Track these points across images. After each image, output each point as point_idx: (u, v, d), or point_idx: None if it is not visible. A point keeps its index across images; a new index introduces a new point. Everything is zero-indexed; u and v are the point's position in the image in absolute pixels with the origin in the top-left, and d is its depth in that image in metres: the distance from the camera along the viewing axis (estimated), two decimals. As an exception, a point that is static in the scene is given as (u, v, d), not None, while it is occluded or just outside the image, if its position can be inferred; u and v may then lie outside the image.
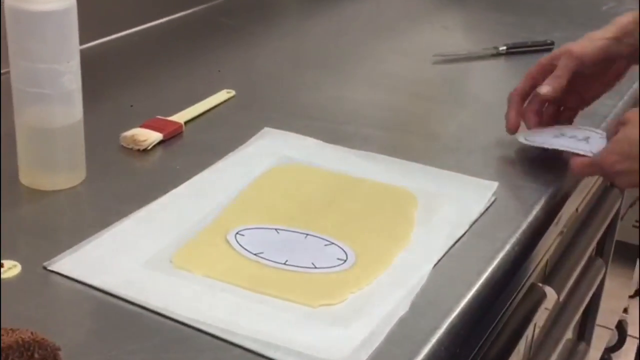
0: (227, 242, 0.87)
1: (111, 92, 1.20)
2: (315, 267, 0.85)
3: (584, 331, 1.63)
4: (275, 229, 0.91)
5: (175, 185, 0.98)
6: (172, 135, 1.09)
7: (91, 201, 0.96)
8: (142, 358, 0.73)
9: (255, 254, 0.86)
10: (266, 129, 1.11)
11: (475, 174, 1.04)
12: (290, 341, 0.74)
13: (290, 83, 1.24)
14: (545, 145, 1.06)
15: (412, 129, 1.18)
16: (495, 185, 1.01)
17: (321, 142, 1.09)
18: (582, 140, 1.04)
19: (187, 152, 1.07)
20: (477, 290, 0.84)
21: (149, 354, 0.73)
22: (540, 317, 1.18)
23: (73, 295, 0.80)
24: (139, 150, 1.05)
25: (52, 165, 0.96)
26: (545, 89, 1.06)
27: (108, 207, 0.94)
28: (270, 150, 1.06)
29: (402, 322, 0.78)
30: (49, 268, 0.82)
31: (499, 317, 0.92)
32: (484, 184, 1.01)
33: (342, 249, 0.87)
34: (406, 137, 1.15)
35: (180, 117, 1.12)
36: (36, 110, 0.93)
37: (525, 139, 1.08)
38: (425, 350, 0.76)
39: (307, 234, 0.90)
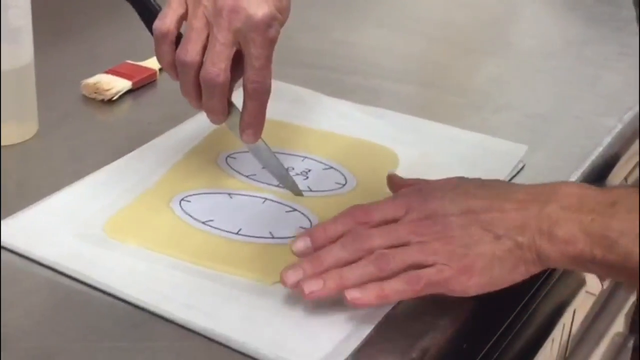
0: (170, 208, 0.84)
1: (75, 32, 1.16)
2: (273, 237, 0.81)
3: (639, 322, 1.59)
4: (228, 193, 0.87)
5: (142, 142, 0.94)
6: (144, 84, 1.05)
7: (41, 159, 0.92)
8: (84, 347, 0.70)
9: (203, 222, 0.82)
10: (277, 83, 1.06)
11: (503, 135, 0.99)
12: (250, 333, 0.71)
13: (288, 23, 1.20)
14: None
15: (431, 81, 1.13)
16: (523, 149, 0.96)
17: (316, 93, 1.04)
18: (298, 175, 0.91)
19: (161, 104, 1.03)
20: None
21: (94, 342, 0.70)
22: (583, 305, 1.13)
23: (8, 267, 0.77)
24: (102, 100, 1.01)
25: (-2, 116, 0.92)
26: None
27: (60, 167, 0.90)
28: None
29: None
30: None
31: (524, 302, 0.87)
32: (510, 147, 0.96)
33: (304, 214, 0.85)
34: (423, 91, 1.10)
35: (154, 62, 1.07)
36: (-25, 50, 0.90)
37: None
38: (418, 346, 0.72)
39: (266, 199, 0.87)
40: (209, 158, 0.92)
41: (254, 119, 0.83)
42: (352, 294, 0.72)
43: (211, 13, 0.79)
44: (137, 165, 0.90)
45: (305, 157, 0.94)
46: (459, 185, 0.77)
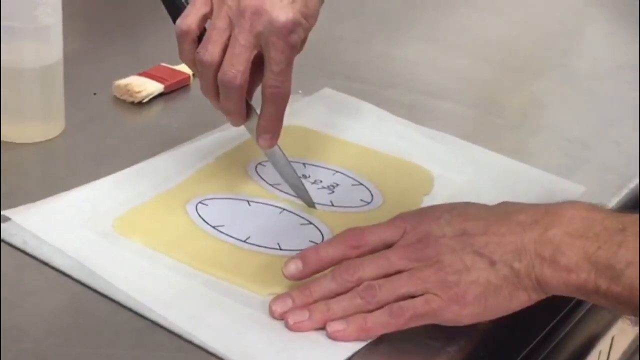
0: (185, 210, 0.83)
1: (113, 33, 1.15)
2: (280, 249, 0.79)
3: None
4: (248, 200, 0.86)
5: (168, 146, 0.93)
6: (177, 88, 1.04)
7: (64, 159, 0.92)
8: (80, 352, 0.68)
9: (213, 227, 0.81)
10: (327, 90, 1.05)
11: (538, 158, 0.96)
12: (231, 344, 0.69)
13: (329, 34, 1.18)
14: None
15: (470, 98, 1.10)
16: (580, 190, 0.91)
17: (364, 103, 1.03)
18: (324, 188, 0.89)
19: (192, 109, 1.02)
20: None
21: (91, 348, 0.69)
22: (624, 333, 1.08)
23: (11, 266, 0.76)
24: (132, 103, 1.01)
25: (22, 113, 0.91)
26: None
27: (82, 168, 0.89)
28: (302, 111, 1.00)
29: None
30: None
31: (549, 327, 0.84)
32: (566, 186, 0.92)
33: (319, 229, 0.83)
34: (460, 109, 1.07)
35: (189, 66, 1.07)
36: (5, 47, 0.88)
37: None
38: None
39: (284, 209, 0.85)
40: (238, 164, 0.91)
41: (270, 124, 0.81)
42: (333, 327, 0.70)
43: (234, 13, 0.78)
44: (162, 167, 0.89)
45: (337, 172, 0.92)
46: (459, 207, 0.75)
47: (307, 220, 0.84)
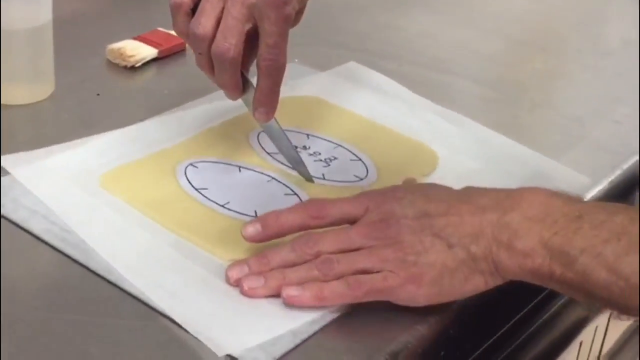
0: (174, 171, 0.83)
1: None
2: (256, 216, 0.79)
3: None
4: (239, 167, 0.85)
5: (159, 112, 0.92)
6: (171, 53, 1.03)
7: (52, 122, 0.91)
8: (44, 317, 0.68)
9: (196, 189, 0.81)
10: (352, 64, 1.04)
11: (535, 135, 0.95)
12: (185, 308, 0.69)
13: (332, 2, 1.16)
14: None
15: (470, 72, 1.08)
16: (584, 180, 0.89)
17: (391, 81, 1.01)
18: (321, 161, 0.88)
19: (186, 75, 1.00)
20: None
21: (54, 313, 0.68)
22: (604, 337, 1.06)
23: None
24: (125, 67, 1.00)
25: (10, 75, 0.90)
26: None
27: (70, 131, 0.88)
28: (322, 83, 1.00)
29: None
30: None
31: (528, 309, 0.82)
32: (571, 176, 0.89)
33: (301, 200, 0.82)
34: (458, 81, 1.06)
35: (185, 32, 1.06)
36: (-6, 7, 0.89)
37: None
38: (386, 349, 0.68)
39: (273, 178, 0.85)
40: (240, 131, 0.91)
41: (266, 97, 0.80)
42: (288, 292, 0.69)
43: None
44: (160, 129, 0.89)
45: (339, 145, 0.91)
46: (423, 188, 0.74)
47: (292, 191, 0.84)
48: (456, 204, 0.70)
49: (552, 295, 0.82)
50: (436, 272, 0.68)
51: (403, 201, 0.71)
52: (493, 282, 0.69)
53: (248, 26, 0.78)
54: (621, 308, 0.66)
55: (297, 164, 0.86)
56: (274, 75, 0.79)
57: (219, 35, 0.78)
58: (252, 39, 0.79)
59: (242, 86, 0.82)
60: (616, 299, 0.65)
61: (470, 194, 0.72)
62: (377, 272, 0.69)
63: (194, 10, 0.79)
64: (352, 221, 0.73)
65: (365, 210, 0.72)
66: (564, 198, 0.69)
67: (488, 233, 0.68)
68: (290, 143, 0.86)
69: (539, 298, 0.81)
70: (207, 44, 0.78)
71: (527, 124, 0.99)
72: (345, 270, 0.70)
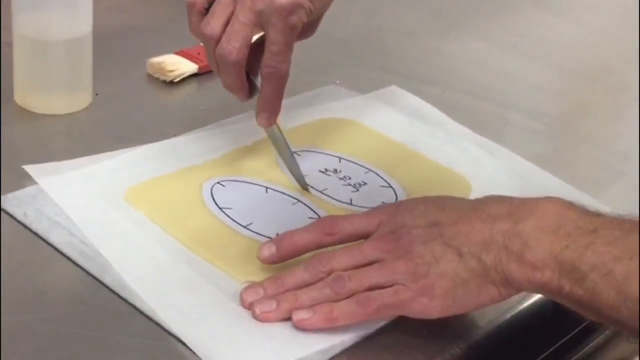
0: (200, 188, 0.83)
1: (150, 7, 1.14)
2: None
3: None
4: (266, 187, 0.85)
5: (194, 127, 0.92)
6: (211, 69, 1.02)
7: (87, 133, 0.91)
8: (52, 330, 0.67)
9: (221, 208, 0.81)
10: (394, 88, 1.03)
11: (578, 168, 0.93)
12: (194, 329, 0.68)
13: (389, 26, 1.15)
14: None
15: (514, 102, 1.06)
16: None
17: (433, 109, 0.99)
18: (350, 185, 0.87)
19: (224, 92, 0.98)
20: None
21: (64, 327, 0.68)
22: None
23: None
24: (165, 81, 1.00)
25: (48, 85, 0.91)
26: None
27: (104, 143, 0.88)
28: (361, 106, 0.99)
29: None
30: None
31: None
32: None
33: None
34: (498, 110, 1.03)
35: (228, 48, 1.06)
36: (33, 17, 0.89)
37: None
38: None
39: (298, 200, 0.84)
40: (271, 151, 0.89)
41: (268, 103, 0.81)
42: (298, 315, 0.68)
43: None
44: (195, 144, 0.89)
45: (370, 171, 0.90)
46: (436, 199, 0.72)
47: (317, 215, 0.82)
48: (467, 213, 0.69)
49: (589, 329, 0.80)
50: (448, 283, 0.67)
51: (414, 211, 0.70)
52: (507, 293, 0.67)
53: (256, 31, 0.79)
54: (630, 330, 0.63)
55: (295, 171, 0.86)
56: (276, 83, 0.80)
57: (223, 38, 0.79)
58: (260, 45, 0.79)
59: (251, 90, 0.82)
60: (624, 320, 0.63)
61: (484, 202, 0.70)
62: (390, 285, 0.68)
63: (208, 10, 0.80)
64: (367, 236, 0.72)
65: (378, 224, 0.71)
66: (580, 210, 0.67)
67: (499, 242, 0.66)
68: (290, 150, 0.86)
69: (577, 330, 0.78)
70: (213, 45, 0.79)
71: (569, 158, 0.96)
72: (357, 286, 0.68)
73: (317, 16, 0.81)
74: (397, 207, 0.72)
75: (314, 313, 0.68)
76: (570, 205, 0.67)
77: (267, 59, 0.78)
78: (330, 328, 0.68)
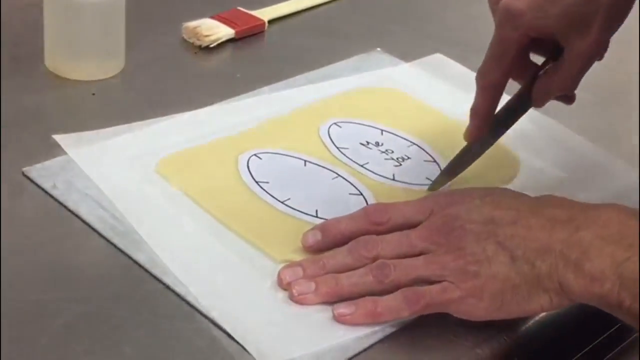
0: (236, 160, 0.79)
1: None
2: (316, 216, 0.75)
3: None
4: (305, 160, 0.81)
5: (228, 96, 0.89)
6: (249, 34, 0.99)
7: (118, 99, 0.88)
8: (81, 310, 0.65)
9: (257, 182, 0.77)
10: (438, 56, 0.99)
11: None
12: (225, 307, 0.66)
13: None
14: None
15: (587, 85, 1.01)
16: None
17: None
18: (392, 159, 0.83)
19: (262, 59, 0.97)
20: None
21: (93, 305, 0.65)
22: None
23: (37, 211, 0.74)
24: (200, 46, 0.96)
25: (80, 50, 0.88)
26: None
27: (135, 109, 0.85)
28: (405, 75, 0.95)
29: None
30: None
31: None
32: None
33: (367, 202, 0.77)
34: (579, 94, 0.98)
35: (266, 13, 1.02)
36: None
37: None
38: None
39: (338, 175, 0.80)
40: (312, 122, 0.87)
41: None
42: (339, 310, 0.65)
43: None
44: (231, 113, 0.86)
45: (414, 144, 0.86)
46: (494, 193, 0.69)
47: (358, 191, 0.79)
48: (526, 215, 0.65)
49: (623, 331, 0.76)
50: (498, 286, 0.63)
51: (469, 205, 0.67)
52: (559, 303, 0.64)
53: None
54: None
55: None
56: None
57: None
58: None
59: None
60: None
61: (543, 204, 0.67)
62: (435, 281, 0.64)
63: None
64: (416, 226, 0.68)
65: (429, 213, 0.68)
66: None
67: (556, 249, 0.63)
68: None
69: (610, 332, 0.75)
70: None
71: (623, 131, 0.92)
72: (401, 277, 0.65)
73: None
74: (451, 198, 0.69)
75: (356, 308, 0.65)
76: (634, 213, 0.63)
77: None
78: (372, 323, 0.65)
